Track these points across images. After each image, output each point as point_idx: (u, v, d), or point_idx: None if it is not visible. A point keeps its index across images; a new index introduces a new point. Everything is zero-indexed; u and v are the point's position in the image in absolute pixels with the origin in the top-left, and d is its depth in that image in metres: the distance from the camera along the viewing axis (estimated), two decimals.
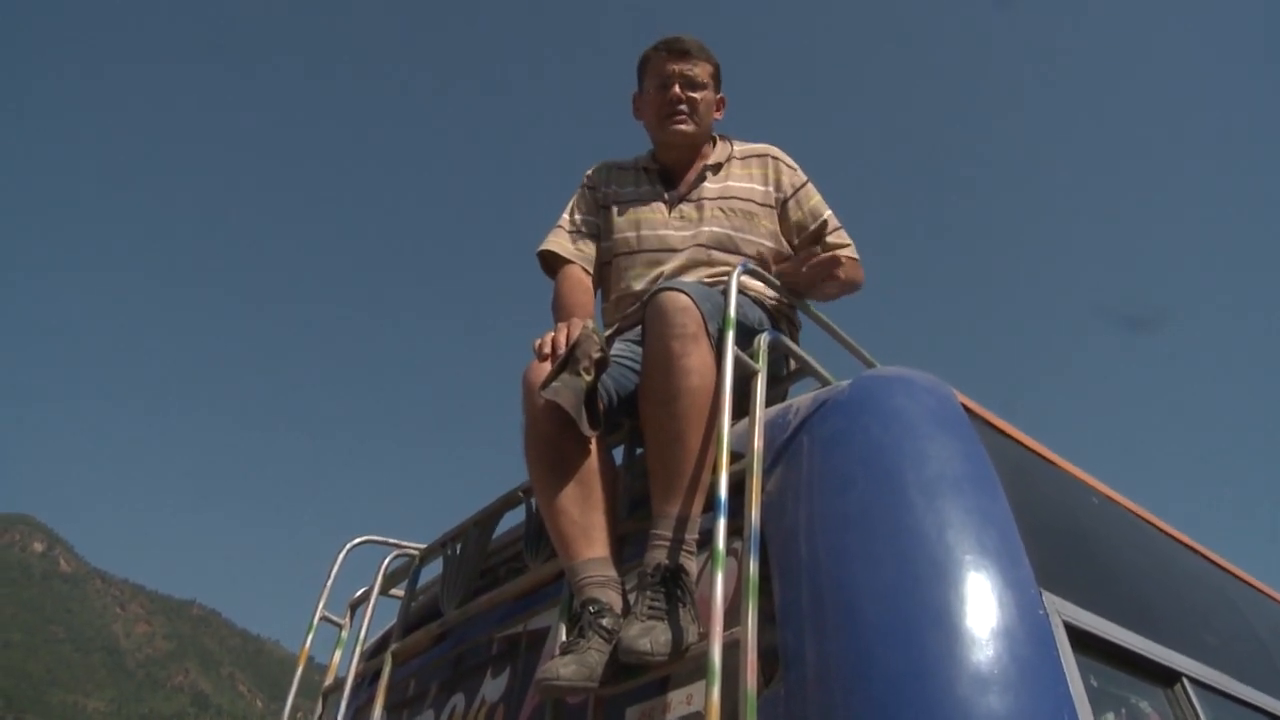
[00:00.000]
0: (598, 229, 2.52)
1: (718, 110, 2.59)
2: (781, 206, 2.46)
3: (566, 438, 1.84)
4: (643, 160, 2.58)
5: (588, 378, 1.82)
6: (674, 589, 1.60)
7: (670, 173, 2.52)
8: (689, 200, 2.43)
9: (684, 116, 2.47)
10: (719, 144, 2.57)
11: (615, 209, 2.50)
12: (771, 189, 2.47)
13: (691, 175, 2.49)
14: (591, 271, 2.47)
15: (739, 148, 2.56)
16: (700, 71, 2.50)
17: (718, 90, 2.57)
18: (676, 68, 2.48)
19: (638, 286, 2.33)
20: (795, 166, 2.52)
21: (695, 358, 1.75)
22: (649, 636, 1.51)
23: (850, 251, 2.45)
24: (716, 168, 2.49)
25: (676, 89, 2.47)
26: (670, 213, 2.42)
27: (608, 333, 2.29)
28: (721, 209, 2.39)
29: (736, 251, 2.31)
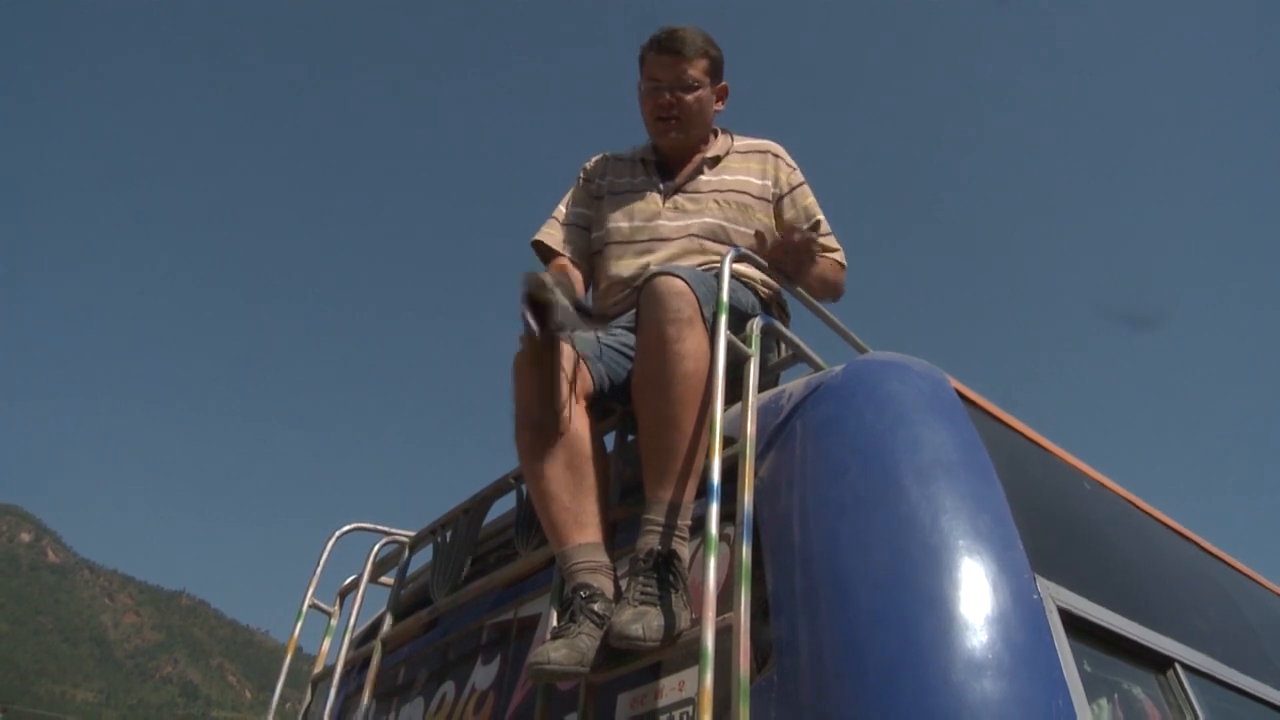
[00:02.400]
0: (590, 221, 2.51)
1: (719, 101, 2.54)
2: (777, 202, 2.45)
3: (557, 423, 1.83)
4: (641, 152, 2.56)
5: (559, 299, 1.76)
6: (666, 574, 1.59)
7: (668, 164, 2.50)
8: (684, 192, 2.42)
9: (676, 122, 2.44)
10: (720, 137, 2.54)
11: (610, 199, 2.49)
12: (769, 183, 2.46)
13: (689, 168, 2.47)
14: (582, 263, 2.45)
15: (739, 142, 2.54)
16: (695, 70, 2.44)
17: (718, 80, 2.52)
18: (668, 69, 2.43)
19: (627, 274, 2.32)
20: (794, 166, 2.51)
21: (690, 342, 1.73)
22: (641, 622, 1.50)
23: (838, 256, 2.45)
24: (714, 160, 2.48)
25: (666, 96, 2.43)
26: (665, 203, 2.40)
27: None
28: (716, 200, 2.38)
29: (729, 242, 2.29)
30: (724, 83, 2.55)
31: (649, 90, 2.46)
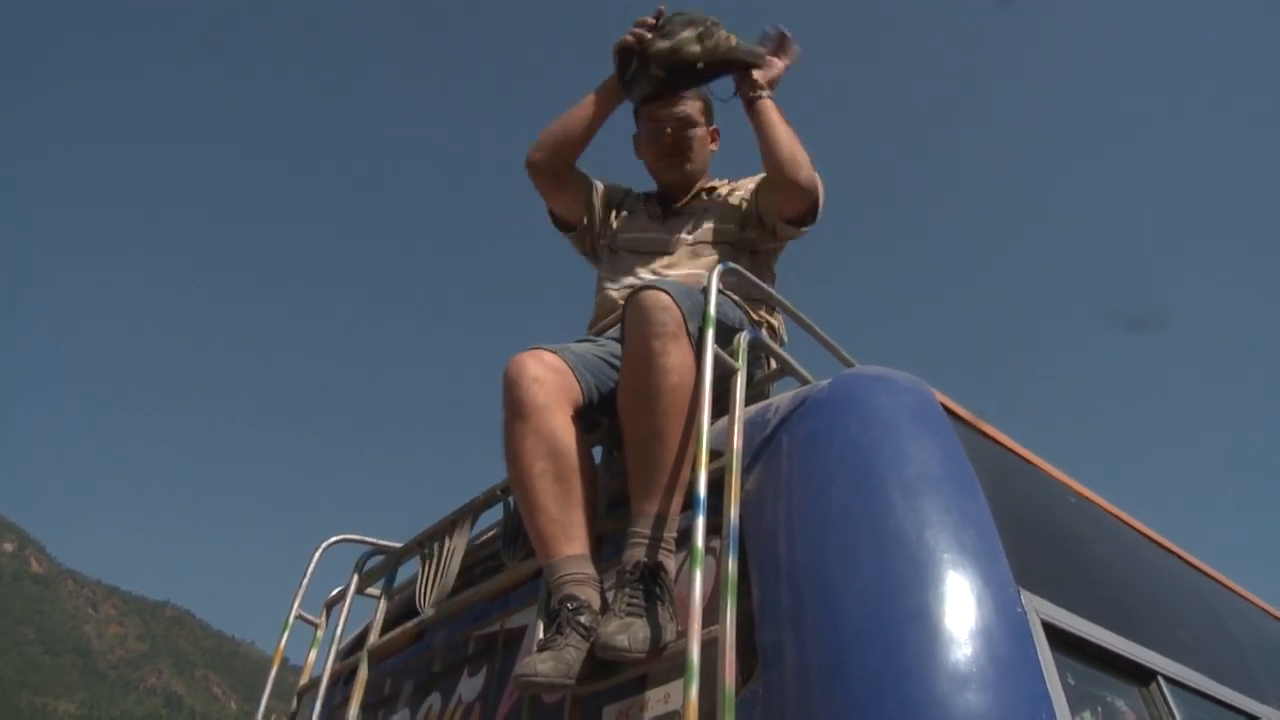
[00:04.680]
0: (600, 194, 2.66)
1: (712, 142, 2.70)
2: (754, 191, 2.55)
3: (546, 434, 1.84)
4: (646, 191, 2.72)
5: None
6: (653, 586, 1.59)
7: (669, 199, 2.63)
8: (682, 214, 2.55)
9: (679, 159, 2.58)
10: (720, 181, 2.69)
11: (617, 213, 2.65)
12: (749, 183, 2.58)
13: (687, 196, 2.61)
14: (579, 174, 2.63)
15: (737, 183, 2.68)
16: (692, 110, 2.59)
17: (710, 123, 2.67)
18: (668, 110, 2.56)
19: (623, 283, 2.41)
20: None
21: (675, 356, 1.74)
22: (627, 633, 1.51)
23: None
24: (712, 190, 2.61)
25: (669, 132, 2.56)
26: (665, 224, 2.54)
27: (590, 332, 2.32)
28: (709, 211, 2.52)
29: (724, 242, 2.44)
30: (715, 125, 2.70)
31: (651, 132, 2.60)
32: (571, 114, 2.55)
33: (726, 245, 2.43)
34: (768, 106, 2.38)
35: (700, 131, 2.61)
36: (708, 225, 2.48)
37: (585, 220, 2.63)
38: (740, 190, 2.58)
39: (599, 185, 2.67)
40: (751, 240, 2.48)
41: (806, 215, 2.39)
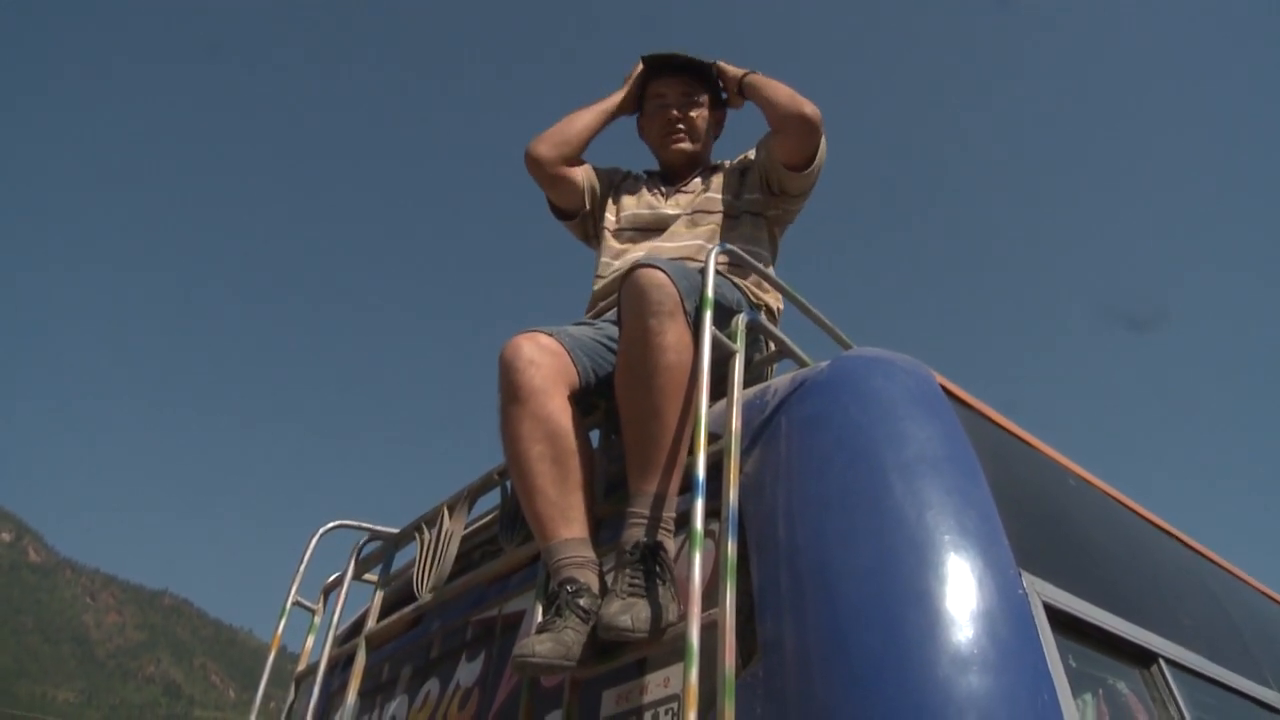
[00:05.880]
0: (598, 179, 2.66)
1: (717, 127, 2.73)
2: (755, 152, 2.58)
3: (543, 418, 1.82)
4: (647, 170, 2.75)
5: None
6: (653, 566, 1.58)
7: (671, 177, 2.65)
8: (684, 192, 2.56)
9: (683, 135, 2.61)
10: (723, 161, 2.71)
11: (615, 194, 2.65)
12: (749, 158, 2.60)
13: (691, 174, 2.62)
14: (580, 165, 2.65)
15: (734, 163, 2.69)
16: (697, 91, 2.64)
17: (716, 107, 2.70)
18: (674, 87, 2.62)
19: (620, 261, 2.40)
20: None
21: (671, 335, 1.73)
22: (630, 613, 1.49)
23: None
24: (714, 168, 2.63)
25: (674, 112, 2.61)
26: (667, 201, 2.55)
27: (588, 315, 2.31)
28: (707, 187, 2.53)
29: (718, 211, 2.45)
30: (720, 110, 2.73)
31: (656, 108, 2.64)
32: (580, 115, 2.62)
33: (725, 214, 2.44)
34: (760, 78, 2.52)
35: (705, 113, 2.65)
36: (707, 196, 2.50)
37: (587, 206, 2.63)
38: (742, 159, 2.60)
39: (597, 169, 2.68)
40: (753, 203, 2.49)
41: (810, 158, 2.41)
